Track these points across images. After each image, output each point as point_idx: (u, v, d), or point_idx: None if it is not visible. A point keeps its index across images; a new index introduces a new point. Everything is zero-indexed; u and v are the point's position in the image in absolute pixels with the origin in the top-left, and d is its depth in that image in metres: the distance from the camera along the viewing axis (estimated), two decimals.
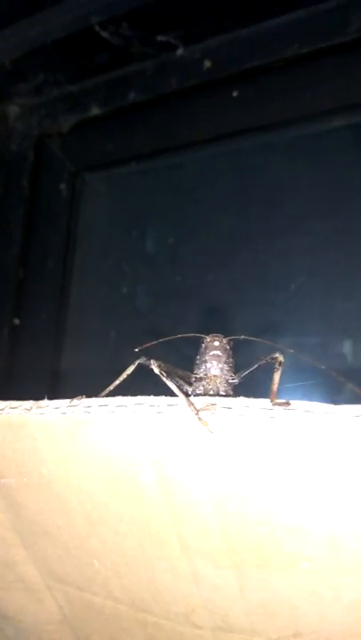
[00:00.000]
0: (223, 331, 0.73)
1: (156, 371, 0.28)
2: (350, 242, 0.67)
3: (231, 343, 0.32)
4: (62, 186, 0.90)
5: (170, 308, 0.80)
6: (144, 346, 0.30)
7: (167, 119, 0.82)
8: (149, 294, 0.82)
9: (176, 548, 0.29)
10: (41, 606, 0.38)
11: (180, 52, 0.74)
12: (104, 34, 0.75)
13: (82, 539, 0.32)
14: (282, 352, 0.28)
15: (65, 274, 0.88)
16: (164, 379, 0.27)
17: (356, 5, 0.67)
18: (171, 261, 0.81)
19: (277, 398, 0.23)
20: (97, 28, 0.75)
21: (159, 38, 0.73)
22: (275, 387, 0.26)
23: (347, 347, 0.65)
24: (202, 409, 0.24)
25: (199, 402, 0.25)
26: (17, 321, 0.87)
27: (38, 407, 0.28)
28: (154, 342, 0.30)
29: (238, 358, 0.32)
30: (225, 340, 0.32)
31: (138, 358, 0.30)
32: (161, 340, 0.31)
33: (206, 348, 0.32)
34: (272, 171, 0.75)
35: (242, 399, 0.24)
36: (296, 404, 0.23)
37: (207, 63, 0.72)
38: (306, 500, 0.24)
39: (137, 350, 0.30)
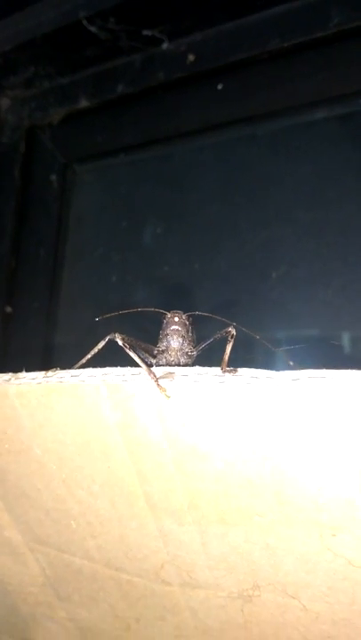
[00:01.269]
0: (209, 318, 0.76)
1: (120, 343, 0.30)
2: (331, 231, 0.69)
3: (190, 319, 0.35)
4: (53, 177, 0.92)
5: (158, 296, 0.83)
6: (104, 316, 0.33)
7: (155, 111, 0.84)
8: (138, 283, 0.85)
9: (144, 506, 0.32)
10: (25, 569, 0.41)
11: (165, 45, 0.76)
12: (92, 28, 0.77)
13: (59, 501, 0.34)
14: (235, 327, 0.31)
15: (56, 263, 0.90)
16: (128, 350, 0.30)
17: (336, 0, 0.69)
18: (159, 251, 0.83)
19: (228, 367, 0.26)
20: (85, 22, 0.77)
21: (145, 32, 0.75)
22: (226, 357, 0.28)
23: (326, 332, 0.67)
24: (161, 377, 0.27)
25: (159, 371, 0.28)
26: (9, 309, 0.89)
27: (17, 378, 0.31)
28: (114, 313, 0.33)
29: (205, 333, 0.35)
30: (184, 316, 0.35)
31: (109, 334, 0.32)
32: (121, 312, 0.34)
33: (167, 323, 0.35)
34: (256, 162, 0.77)
35: (197, 368, 0.27)
36: (243, 370, 0.25)
37: (191, 57, 0.74)
38: (254, 457, 0.27)
39: (97, 320, 0.32)
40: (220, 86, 0.78)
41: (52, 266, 0.90)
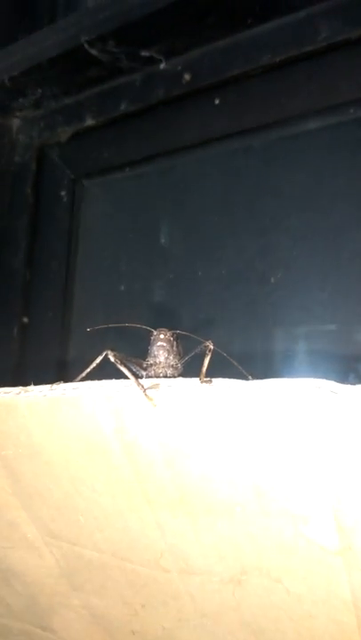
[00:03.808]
0: (212, 321, 0.80)
1: (112, 359, 0.34)
2: (324, 236, 0.72)
3: (175, 335, 0.39)
4: (63, 192, 0.96)
5: (164, 302, 0.87)
6: (95, 327, 0.37)
7: (156, 127, 0.88)
8: (145, 291, 0.89)
9: (142, 501, 0.36)
10: (41, 561, 0.46)
11: (163, 65, 0.80)
12: (93, 51, 0.81)
13: (68, 498, 0.39)
14: (212, 342, 0.35)
15: (68, 274, 0.95)
16: (118, 365, 0.34)
17: (323, 15, 0.72)
18: (164, 259, 0.87)
19: (205, 377, 0.29)
20: (86, 45, 0.81)
21: (143, 53, 0.79)
22: (204, 368, 0.32)
23: (322, 332, 0.70)
24: (148, 388, 0.31)
25: (147, 383, 0.31)
26: (25, 319, 0.94)
27: (26, 391, 0.35)
28: (104, 326, 0.37)
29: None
30: (169, 334, 0.39)
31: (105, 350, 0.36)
32: (110, 326, 0.38)
33: (154, 340, 0.39)
34: (253, 172, 0.81)
35: (180, 379, 0.31)
36: (217, 381, 0.29)
37: (187, 76, 0.78)
38: (231, 456, 0.30)
39: (88, 330, 0.36)
40: (217, 101, 0.81)
41: (65, 277, 0.95)
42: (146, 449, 0.33)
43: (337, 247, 0.71)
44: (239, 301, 0.78)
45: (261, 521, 0.33)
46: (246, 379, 0.26)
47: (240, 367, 0.35)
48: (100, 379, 0.34)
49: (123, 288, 0.90)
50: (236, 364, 0.36)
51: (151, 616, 0.44)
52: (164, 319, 0.86)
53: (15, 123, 1.00)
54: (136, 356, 0.38)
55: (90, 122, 0.92)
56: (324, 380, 0.27)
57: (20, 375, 0.88)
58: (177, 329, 0.40)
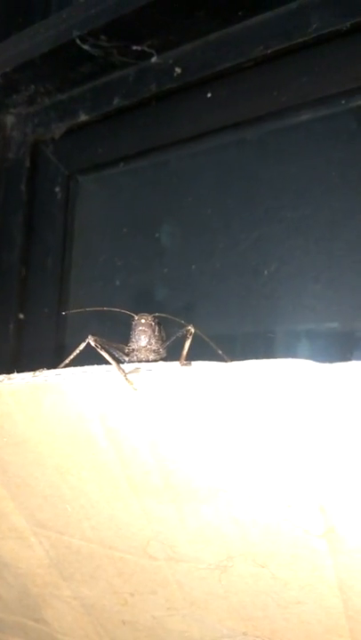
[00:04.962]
0: (207, 313, 0.79)
1: (93, 344, 0.34)
2: (317, 228, 0.72)
3: (157, 320, 0.39)
4: (57, 188, 0.96)
5: (159, 297, 0.87)
6: (71, 312, 0.37)
7: (150, 121, 0.88)
8: (140, 286, 0.89)
9: (126, 488, 0.36)
10: (31, 552, 0.46)
11: (154, 59, 0.80)
12: (85, 46, 0.81)
13: (55, 487, 0.39)
14: (194, 326, 0.35)
15: (63, 270, 0.95)
16: (99, 350, 0.34)
17: (315, 6, 0.71)
18: (158, 253, 0.87)
19: (186, 360, 0.29)
20: (78, 41, 0.81)
21: (134, 48, 0.79)
22: (184, 352, 0.32)
23: (315, 323, 0.70)
24: (129, 372, 0.31)
25: (128, 367, 0.31)
26: (21, 315, 0.95)
27: (9, 379, 0.35)
28: (81, 310, 0.37)
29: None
30: (150, 318, 0.39)
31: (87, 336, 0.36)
32: (88, 309, 0.38)
33: (136, 325, 0.39)
34: (246, 164, 0.81)
35: (161, 363, 0.31)
36: (196, 364, 0.29)
37: (178, 70, 0.78)
38: (211, 439, 0.30)
39: (63, 314, 0.36)
40: (209, 94, 0.81)
41: (60, 273, 0.95)
42: (129, 434, 0.33)
43: (330, 239, 0.71)
44: (233, 294, 0.78)
45: (245, 505, 0.32)
46: (225, 361, 0.26)
47: (218, 350, 0.34)
48: (84, 364, 0.34)
49: (118, 283, 0.90)
50: (214, 346, 0.36)
51: (141, 605, 0.43)
52: (159, 313, 0.86)
53: (9, 119, 1.00)
54: (120, 341, 0.38)
55: (83, 117, 0.92)
56: (303, 360, 0.27)
57: (16, 370, 0.88)
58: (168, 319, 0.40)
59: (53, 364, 0.91)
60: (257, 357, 0.28)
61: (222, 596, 0.39)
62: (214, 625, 0.41)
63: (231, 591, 0.38)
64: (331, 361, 0.25)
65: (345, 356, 0.66)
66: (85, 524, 0.40)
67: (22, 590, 0.50)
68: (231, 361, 0.25)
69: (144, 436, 0.32)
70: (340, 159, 0.72)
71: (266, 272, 0.74)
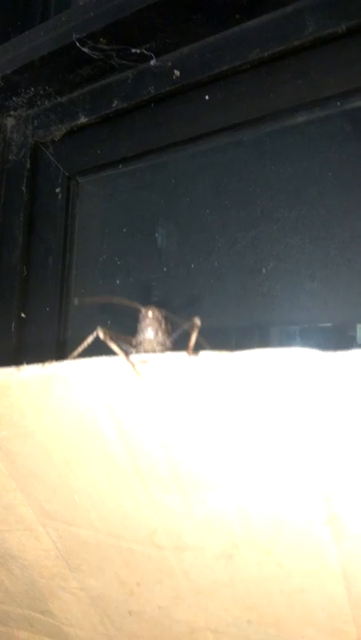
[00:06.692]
0: (205, 311, 0.81)
1: (101, 336, 0.35)
2: (313, 227, 0.73)
3: (163, 312, 0.40)
4: (58, 189, 0.97)
5: (159, 296, 0.88)
6: (83, 300, 0.38)
7: (148, 123, 0.89)
8: (140, 285, 0.90)
9: (134, 477, 0.37)
10: (38, 543, 0.46)
11: (153, 62, 0.81)
12: (84, 49, 0.82)
13: (62, 477, 0.40)
14: (199, 318, 0.36)
15: (64, 270, 0.96)
16: (108, 342, 0.35)
17: (311, 9, 0.73)
18: (157, 253, 0.88)
19: (193, 351, 0.30)
20: (77, 43, 0.82)
21: (133, 51, 0.80)
22: (191, 343, 0.33)
23: (312, 320, 0.72)
24: (137, 363, 0.32)
25: (136, 358, 0.32)
26: (23, 315, 0.95)
27: (19, 371, 0.36)
28: (93, 299, 0.38)
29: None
30: (157, 311, 0.40)
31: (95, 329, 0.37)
32: (98, 299, 0.39)
33: (142, 317, 0.40)
34: (243, 166, 0.82)
35: (168, 353, 0.32)
36: (203, 353, 0.30)
37: (177, 72, 0.79)
38: (218, 428, 0.31)
39: (76, 304, 0.37)
40: (207, 97, 0.82)
41: (61, 272, 0.96)
42: (136, 423, 0.34)
43: (326, 238, 0.72)
44: (232, 292, 0.79)
45: (251, 494, 0.34)
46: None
47: (207, 346, 0.35)
48: (92, 356, 0.35)
49: (118, 282, 0.91)
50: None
51: (147, 595, 0.44)
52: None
53: (9, 122, 1.01)
54: (127, 334, 0.39)
55: (83, 119, 0.93)
56: (308, 349, 0.28)
57: None
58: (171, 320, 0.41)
59: (55, 361, 0.92)
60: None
61: (227, 584, 0.40)
62: (220, 613, 0.42)
63: (236, 579, 0.39)
64: None
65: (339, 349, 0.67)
66: (93, 515, 0.41)
67: (29, 582, 0.51)
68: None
69: (152, 426, 0.33)
70: (335, 160, 0.74)
71: (264, 270, 0.76)
